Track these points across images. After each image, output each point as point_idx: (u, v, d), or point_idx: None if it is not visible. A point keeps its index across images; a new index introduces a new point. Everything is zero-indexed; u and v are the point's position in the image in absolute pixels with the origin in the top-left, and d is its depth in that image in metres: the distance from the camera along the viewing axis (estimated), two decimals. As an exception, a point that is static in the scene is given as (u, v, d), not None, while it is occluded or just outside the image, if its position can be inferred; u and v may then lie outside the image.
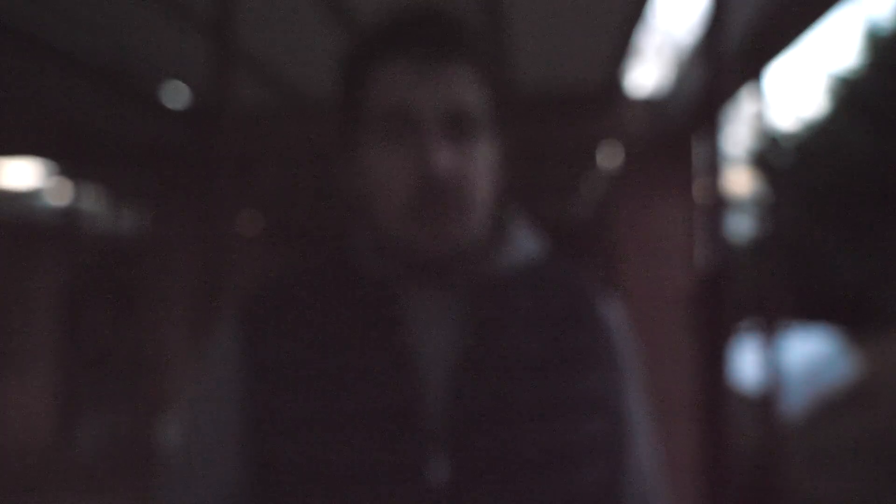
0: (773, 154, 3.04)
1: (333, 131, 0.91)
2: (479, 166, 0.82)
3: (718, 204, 2.12)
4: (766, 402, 2.98)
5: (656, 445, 0.93)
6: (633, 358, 0.92)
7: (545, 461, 0.80)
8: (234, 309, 0.89)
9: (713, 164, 2.16)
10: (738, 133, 14.69)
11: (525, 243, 0.90)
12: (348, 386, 0.80)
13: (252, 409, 0.82)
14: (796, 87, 36.35)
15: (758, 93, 3.08)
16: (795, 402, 6.78)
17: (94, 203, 7.17)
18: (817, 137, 10.42)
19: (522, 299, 0.87)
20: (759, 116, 3.01)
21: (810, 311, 8.02)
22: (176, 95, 4.47)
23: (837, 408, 6.66)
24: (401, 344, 0.81)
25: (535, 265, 0.90)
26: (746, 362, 5.06)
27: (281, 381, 0.82)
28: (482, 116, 0.83)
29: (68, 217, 5.16)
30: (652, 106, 4.45)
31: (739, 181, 12.48)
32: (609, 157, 5.11)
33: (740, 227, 12.41)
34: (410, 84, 0.80)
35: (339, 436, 0.78)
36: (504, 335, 0.84)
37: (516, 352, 0.83)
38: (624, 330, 0.92)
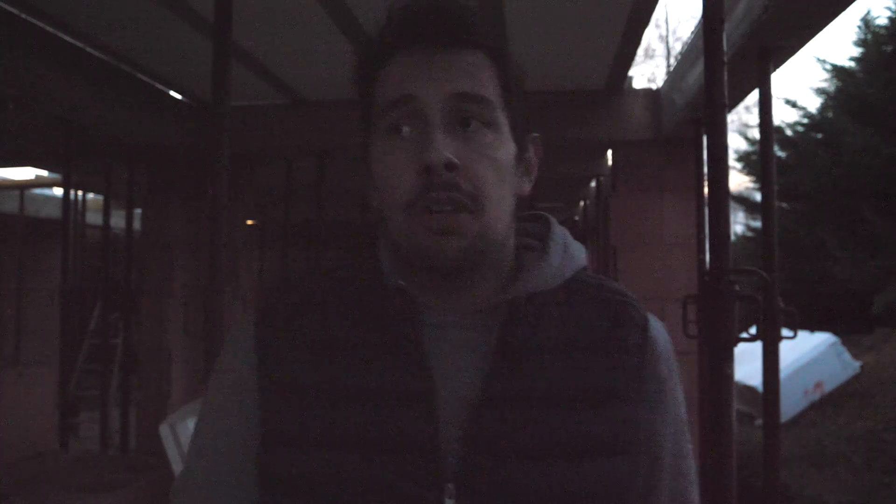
0: (773, 153, 3.03)
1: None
2: (492, 157, 0.76)
3: (720, 203, 2.12)
4: (765, 401, 2.97)
5: (693, 480, 0.85)
6: (676, 390, 0.84)
7: (561, 501, 0.74)
8: (251, 314, 0.85)
9: (714, 164, 2.15)
10: (738, 132, 14.67)
11: (562, 258, 0.83)
12: (362, 405, 0.75)
13: (262, 420, 0.79)
14: (796, 87, 36.32)
15: (758, 92, 3.07)
16: (795, 401, 6.78)
17: (94, 202, 7.17)
18: (817, 135, 10.41)
19: (554, 324, 0.79)
20: (760, 115, 3.01)
21: (810, 310, 8.01)
22: (177, 94, 4.47)
23: (836, 407, 6.65)
24: (418, 367, 0.76)
25: (574, 284, 0.82)
26: (746, 361, 5.05)
27: (293, 393, 0.78)
28: (496, 108, 0.77)
29: (69, 216, 5.16)
30: (653, 105, 4.45)
31: (740, 180, 12.47)
32: (611, 157, 5.11)
33: (741, 226, 12.42)
34: (415, 74, 0.76)
35: (349, 457, 0.74)
36: (530, 365, 0.77)
37: (542, 384, 0.76)
38: (669, 360, 0.84)
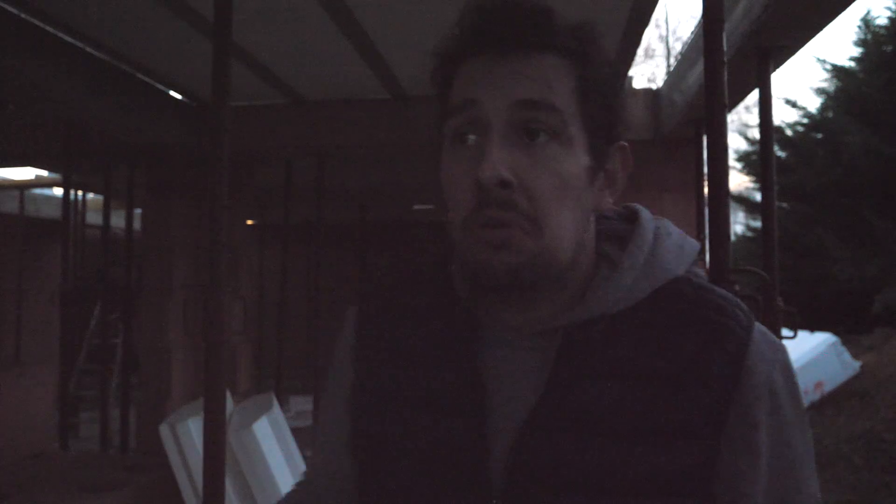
0: (773, 153, 3.02)
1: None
2: (557, 172, 0.70)
3: (720, 203, 2.12)
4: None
5: None
6: (784, 432, 0.72)
7: None
8: (351, 312, 0.89)
9: (714, 164, 2.15)
10: (738, 132, 14.67)
11: (642, 271, 0.75)
12: (423, 415, 0.77)
13: (354, 411, 0.84)
14: (796, 87, 36.32)
15: (758, 92, 3.07)
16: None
17: (94, 202, 7.17)
18: (817, 135, 10.41)
19: (624, 348, 0.72)
20: (760, 115, 3.01)
21: (810, 310, 8.01)
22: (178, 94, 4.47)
23: (836, 407, 6.66)
24: (471, 385, 0.75)
25: (664, 297, 0.74)
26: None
27: (372, 396, 0.82)
28: (567, 116, 0.71)
29: (69, 216, 5.16)
30: (653, 105, 4.45)
31: (740, 180, 12.47)
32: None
33: (741, 226, 12.42)
34: (482, 78, 0.71)
35: (406, 463, 0.76)
36: (586, 393, 0.71)
37: (596, 413, 0.71)
38: (773, 395, 0.72)
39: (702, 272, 0.80)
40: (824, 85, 10.80)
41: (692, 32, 3.85)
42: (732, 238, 2.19)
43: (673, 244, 0.78)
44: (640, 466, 0.69)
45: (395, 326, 0.83)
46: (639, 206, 0.83)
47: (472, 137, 0.72)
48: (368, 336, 0.85)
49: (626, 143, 0.78)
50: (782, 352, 0.75)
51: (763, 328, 0.75)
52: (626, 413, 0.70)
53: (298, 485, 0.98)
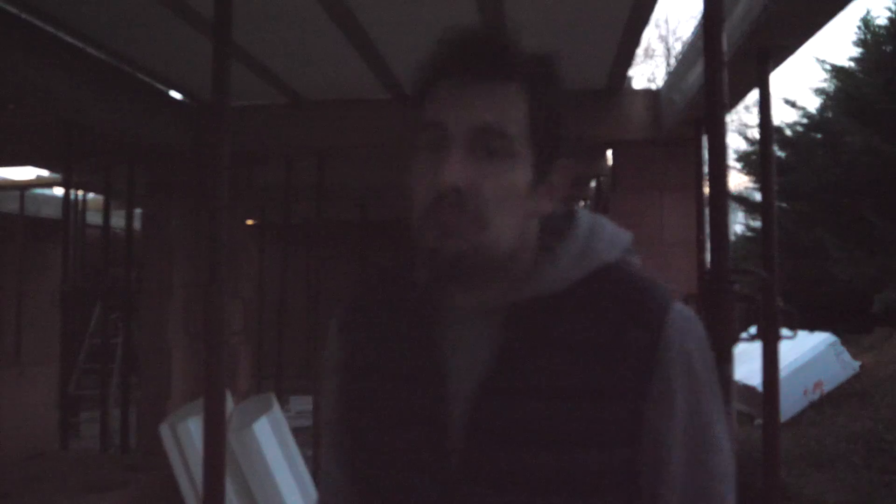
0: (773, 153, 3.03)
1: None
2: (505, 184, 0.85)
3: (720, 203, 2.12)
4: (765, 401, 2.97)
5: (719, 475, 0.88)
6: (696, 389, 0.87)
7: (552, 488, 0.82)
8: (334, 315, 1.03)
9: (714, 164, 2.16)
10: (738, 132, 14.67)
11: (577, 259, 0.90)
12: (394, 385, 0.91)
13: (344, 396, 0.97)
14: (796, 87, 36.31)
15: (758, 92, 3.07)
16: (794, 401, 6.78)
17: (94, 202, 7.16)
18: (817, 135, 10.41)
19: (562, 324, 0.86)
20: (760, 115, 3.01)
21: (810, 310, 8.01)
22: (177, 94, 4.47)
23: (836, 407, 6.65)
24: (430, 355, 0.89)
25: (597, 280, 0.89)
26: (746, 361, 5.06)
27: (357, 373, 0.96)
28: (516, 140, 0.85)
29: (69, 216, 5.16)
30: (653, 105, 4.45)
31: (740, 180, 12.47)
32: (611, 157, 5.11)
33: (741, 226, 12.41)
34: (448, 101, 0.86)
35: (381, 427, 0.90)
36: (530, 362, 0.85)
37: (540, 379, 0.84)
38: (687, 360, 0.86)
39: (636, 261, 0.94)
40: (824, 85, 10.79)
41: (692, 32, 3.86)
42: (732, 238, 2.20)
43: (606, 236, 0.93)
44: (579, 423, 0.82)
45: (371, 321, 0.97)
46: (578, 208, 0.97)
47: (434, 151, 0.86)
48: (350, 338, 0.99)
49: (570, 161, 0.92)
50: (697, 326, 0.89)
51: (681, 306, 0.89)
52: (566, 377, 0.84)
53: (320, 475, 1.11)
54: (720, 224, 2.10)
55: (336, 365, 0.99)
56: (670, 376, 0.85)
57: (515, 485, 0.83)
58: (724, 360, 2.06)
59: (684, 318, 0.88)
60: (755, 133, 12.21)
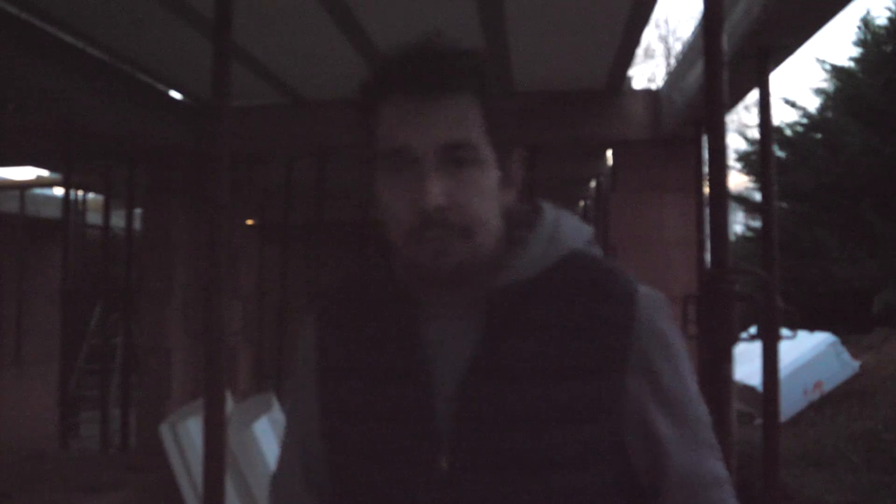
0: (773, 153, 3.03)
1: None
2: (479, 190, 0.87)
3: (720, 203, 2.12)
4: (765, 401, 2.97)
5: (702, 442, 0.92)
6: (671, 360, 0.91)
7: (545, 466, 0.85)
8: (309, 312, 1.03)
9: (714, 164, 2.16)
10: (738, 132, 14.68)
11: (546, 247, 0.93)
12: (378, 385, 0.91)
13: (322, 399, 0.97)
14: (796, 87, 36.30)
15: (758, 92, 3.07)
16: (794, 401, 6.78)
17: (94, 202, 7.16)
18: (817, 135, 10.41)
19: (538, 307, 0.90)
20: (760, 115, 3.01)
21: (810, 310, 8.01)
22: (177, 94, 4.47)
23: (836, 407, 6.65)
24: (414, 352, 0.90)
25: (565, 266, 0.92)
26: (746, 361, 5.06)
27: (337, 374, 0.96)
28: (481, 145, 0.87)
29: (69, 216, 5.16)
30: (653, 105, 4.45)
31: (740, 180, 12.47)
32: (611, 157, 5.11)
33: (741, 226, 12.41)
34: (408, 121, 0.86)
35: (369, 425, 0.91)
36: (512, 345, 0.88)
37: (524, 361, 0.87)
38: (659, 333, 0.91)
39: (598, 250, 0.99)
40: (823, 85, 10.79)
41: (692, 32, 3.86)
42: (732, 238, 2.20)
43: (571, 225, 0.97)
44: (565, 400, 0.86)
45: (349, 319, 0.98)
46: (542, 201, 1.00)
47: (402, 170, 0.86)
48: (325, 341, 0.99)
49: (519, 149, 0.96)
50: (665, 304, 0.94)
51: (646, 287, 0.93)
52: (548, 357, 0.87)
53: (275, 486, 1.06)
54: (720, 224, 2.10)
55: (311, 368, 0.99)
56: (648, 351, 0.89)
57: (509, 467, 0.85)
58: (724, 360, 2.06)
59: (653, 298, 0.93)
60: (755, 133, 12.21)
